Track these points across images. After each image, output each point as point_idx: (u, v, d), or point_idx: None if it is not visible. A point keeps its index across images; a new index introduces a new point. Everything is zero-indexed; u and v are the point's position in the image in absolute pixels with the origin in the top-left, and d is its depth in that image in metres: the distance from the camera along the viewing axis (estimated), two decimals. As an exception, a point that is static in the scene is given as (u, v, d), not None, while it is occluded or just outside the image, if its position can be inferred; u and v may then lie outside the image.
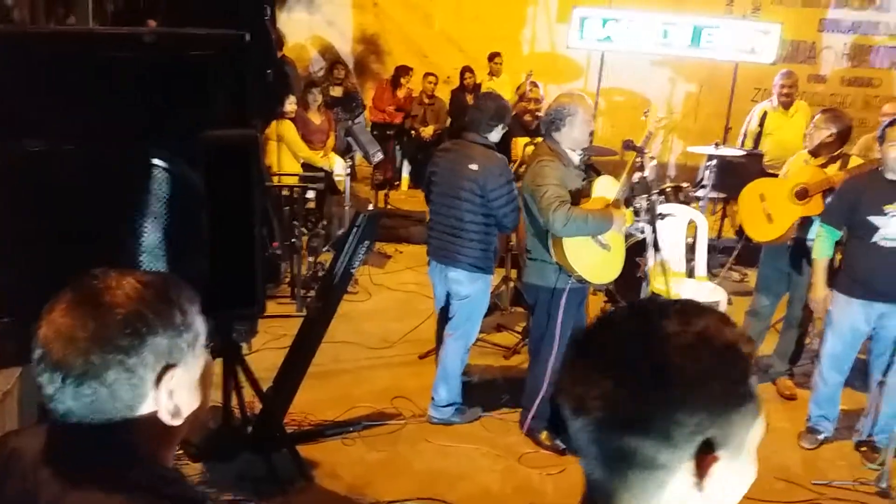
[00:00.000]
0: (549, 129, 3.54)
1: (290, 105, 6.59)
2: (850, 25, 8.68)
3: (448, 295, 3.96)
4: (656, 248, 3.67)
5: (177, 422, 1.09)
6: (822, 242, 3.77)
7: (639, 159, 3.57)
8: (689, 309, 0.83)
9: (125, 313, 1.04)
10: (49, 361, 1.03)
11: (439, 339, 4.10)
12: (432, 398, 4.01)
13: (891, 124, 3.54)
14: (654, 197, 3.48)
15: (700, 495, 0.80)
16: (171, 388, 1.07)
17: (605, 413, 0.79)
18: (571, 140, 3.56)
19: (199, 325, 1.12)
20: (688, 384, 0.78)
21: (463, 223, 3.70)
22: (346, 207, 6.00)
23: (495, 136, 3.74)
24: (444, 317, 4.05)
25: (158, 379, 1.06)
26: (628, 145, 3.67)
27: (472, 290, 3.82)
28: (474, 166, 3.63)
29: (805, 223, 4.12)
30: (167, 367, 1.06)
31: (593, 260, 3.54)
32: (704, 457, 0.78)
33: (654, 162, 3.39)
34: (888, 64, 8.67)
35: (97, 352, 1.02)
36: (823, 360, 3.84)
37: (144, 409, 1.06)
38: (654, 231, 3.40)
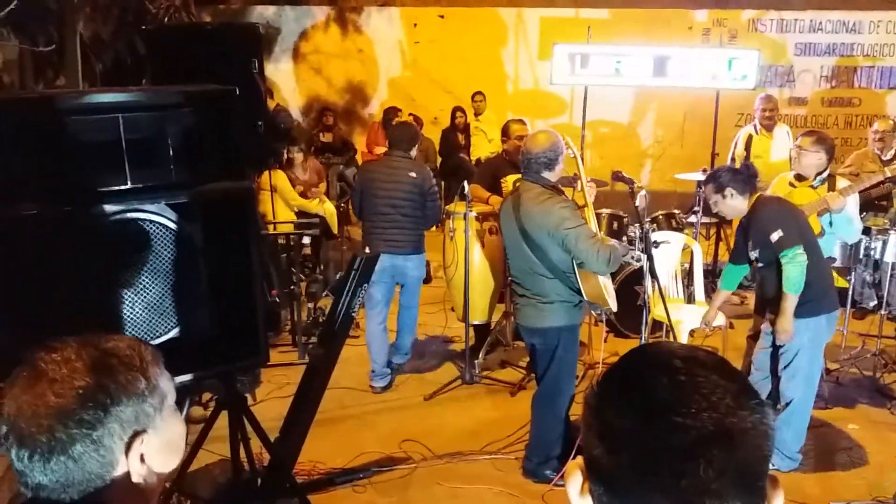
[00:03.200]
0: (541, 168, 3.54)
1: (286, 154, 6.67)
2: (825, 48, 8.88)
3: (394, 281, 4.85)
4: (654, 276, 3.69)
5: (151, 483, 1.08)
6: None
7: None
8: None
9: (85, 387, 1.02)
10: (15, 438, 1.02)
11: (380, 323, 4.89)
12: (374, 370, 4.76)
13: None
14: (648, 226, 3.49)
15: None
16: (141, 453, 1.06)
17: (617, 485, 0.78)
18: (558, 176, 3.61)
19: (165, 385, 1.11)
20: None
21: (408, 218, 4.66)
22: (344, 250, 6.01)
23: (414, 153, 4.82)
24: (383, 304, 4.86)
25: (128, 447, 1.05)
26: (618, 176, 3.71)
27: (421, 269, 4.84)
28: (413, 174, 4.66)
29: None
30: (136, 434, 1.05)
31: (609, 288, 3.62)
32: None
33: (644, 191, 3.41)
34: (868, 83, 8.84)
35: (61, 428, 1.00)
36: None
37: (116, 475, 1.04)
38: (651, 259, 3.41)
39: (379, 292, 4.72)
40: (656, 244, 3.38)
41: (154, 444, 1.07)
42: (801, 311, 3.55)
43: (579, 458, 0.85)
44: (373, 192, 4.68)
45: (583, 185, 3.84)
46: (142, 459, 1.06)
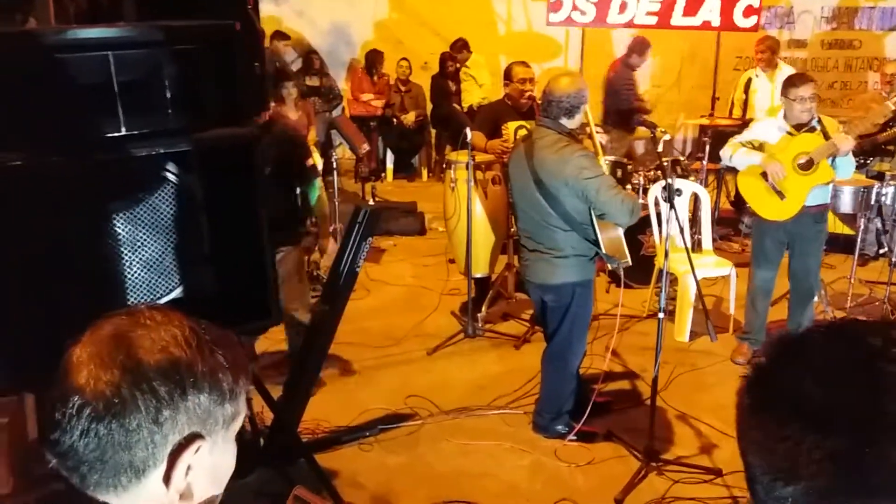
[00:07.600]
0: (561, 114, 3.34)
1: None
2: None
3: None
4: (679, 225, 3.55)
5: None
6: None
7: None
8: None
9: (173, 357, 0.88)
10: (72, 384, 0.86)
11: None
12: None
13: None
14: (671, 173, 3.34)
15: None
16: (190, 464, 0.89)
17: (829, 478, 0.65)
18: (576, 125, 3.42)
19: (242, 404, 0.95)
20: None
21: None
22: (337, 203, 5.82)
23: None
24: None
25: (180, 448, 0.88)
26: (639, 121, 3.53)
27: None
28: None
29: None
30: (195, 437, 0.89)
31: (624, 240, 3.46)
32: None
33: (668, 136, 3.24)
34: (869, 25, 8.63)
35: (130, 388, 0.85)
36: None
37: (151, 480, 0.88)
38: (673, 207, 3.25)
39: None
40: (679, 192, 3.22)
41: (205, 462, 0.91)
42: None
43: None
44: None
45: (592, 131, 3.65)
46: (187, 471, 0.89)
